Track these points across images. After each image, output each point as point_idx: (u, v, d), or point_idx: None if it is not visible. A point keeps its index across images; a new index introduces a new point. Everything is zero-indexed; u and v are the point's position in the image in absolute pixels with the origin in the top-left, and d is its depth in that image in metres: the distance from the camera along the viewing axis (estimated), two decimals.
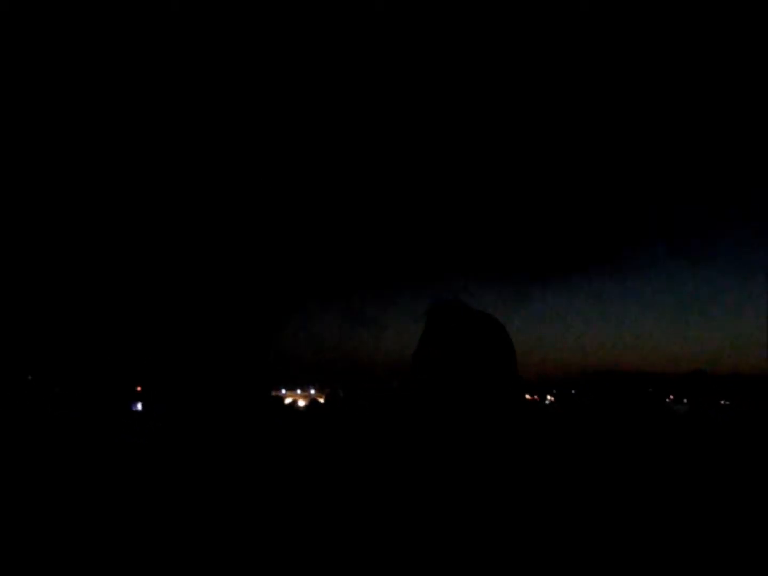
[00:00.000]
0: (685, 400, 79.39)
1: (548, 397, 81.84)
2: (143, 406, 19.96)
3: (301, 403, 43.70)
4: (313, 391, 57.03)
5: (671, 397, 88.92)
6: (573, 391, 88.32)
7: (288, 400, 39.04)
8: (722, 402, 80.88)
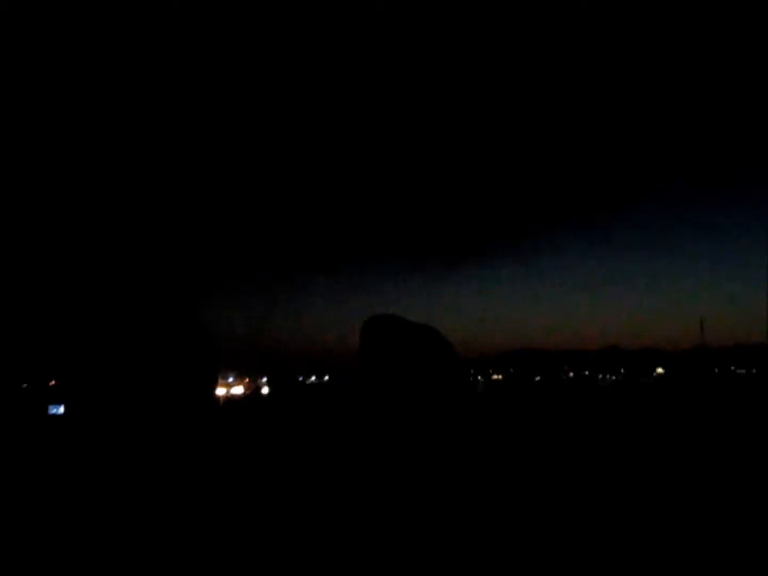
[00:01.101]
0: (608, 376, 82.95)
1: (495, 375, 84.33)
2: (66, 408, 17.87)
3: (222, 392, 42.10)
4: (231, 380, 54.28)
5: (586, 372, 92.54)
6: (511, 370, 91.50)
7: (221, 391, 37.50)
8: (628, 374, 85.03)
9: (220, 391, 32.04)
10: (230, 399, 32.58)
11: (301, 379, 58.31)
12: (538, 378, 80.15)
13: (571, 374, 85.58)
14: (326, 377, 63.41)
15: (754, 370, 72.34)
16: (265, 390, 49.25)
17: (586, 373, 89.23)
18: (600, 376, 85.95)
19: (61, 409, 19.38)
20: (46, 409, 20.84)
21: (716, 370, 67.94)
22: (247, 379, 57.06)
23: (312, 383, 59.18)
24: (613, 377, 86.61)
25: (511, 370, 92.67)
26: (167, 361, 20.53)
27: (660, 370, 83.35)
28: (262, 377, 55.66)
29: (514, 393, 38.20)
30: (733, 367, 78.21)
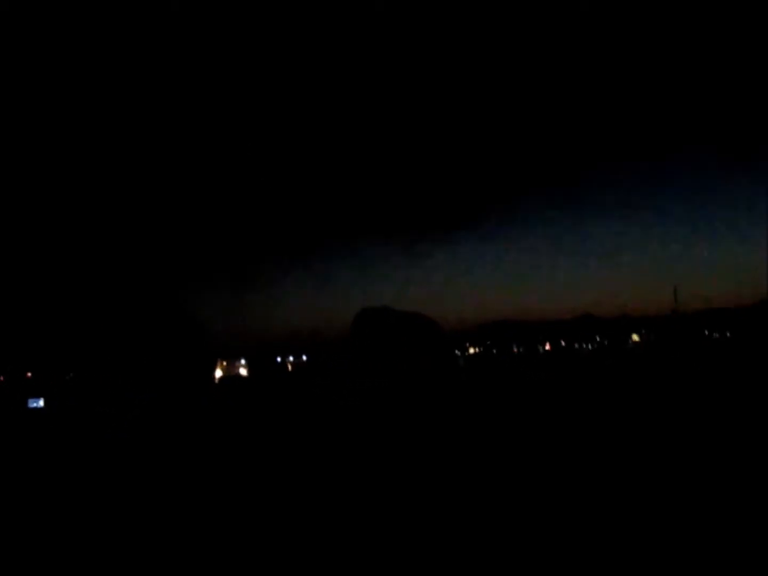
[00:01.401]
0: (585, 345, 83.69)
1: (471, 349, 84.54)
2: (47, 401, 17.24)
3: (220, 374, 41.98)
4: (243, 362, 54.94)
5: (563, 342, 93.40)
6: (488, 342, 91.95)
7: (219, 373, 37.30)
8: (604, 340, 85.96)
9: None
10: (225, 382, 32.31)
11: (279, 360, 58.40)
12: (516, 350, 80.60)
13: (548, 346, 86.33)
14: (304, 357, 63.69)
15: (728, 334, 73.50)
16: (243, 372, 49.40)
17: (562, 343, 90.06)
18: (576, 345, 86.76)
19: (41, 403, 18.66)
20: (26, 403, 20.03)
21: (692, 336, 69.01)
22: (224, 363, 57.14)
23: (293, 363, 59.37)
24: (589, 346, 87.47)
25: (488, 343, 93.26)
26: (157, 354, 20.18)
27: (635, 337, 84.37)
28: (240, 360, 55.79)
29: (496, 368, 38.33)
30: (707, 332, 79.39)
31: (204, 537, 5.91)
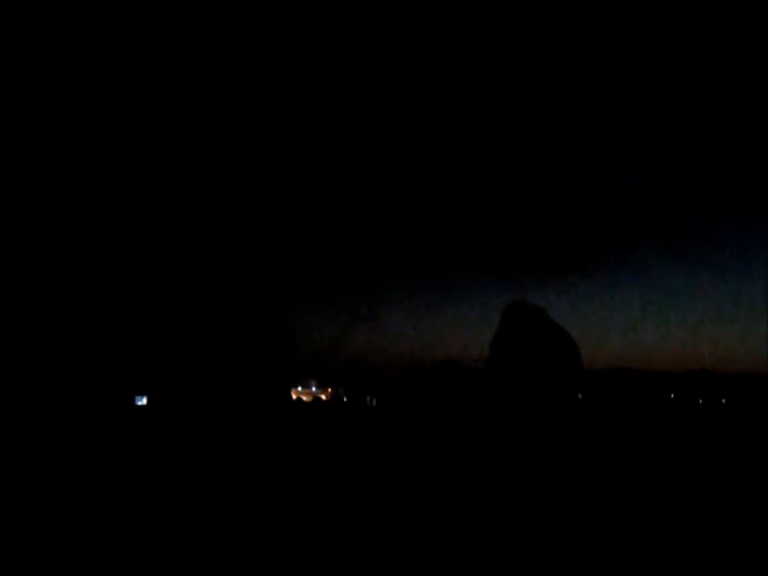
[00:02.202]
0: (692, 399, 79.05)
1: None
2: (149, 400, 19.04)
3: (304, 400, 43.54)
4: (314, 389, 56.54)
5: (672, 395, 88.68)
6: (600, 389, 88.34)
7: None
8: (723, 401, 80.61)
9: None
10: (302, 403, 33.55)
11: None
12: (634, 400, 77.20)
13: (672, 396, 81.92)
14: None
15: None
16: (323, 398, 50.66)
17: (672, 396, 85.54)
18: (701, 400, 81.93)
19: (145, 401, 20.79)
20: (133, 400, 22.31)
21: None
22: (329, 389, 58.67)
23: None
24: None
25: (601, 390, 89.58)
26: (247, 362, 21.58)
27: None
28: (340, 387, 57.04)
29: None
30: None
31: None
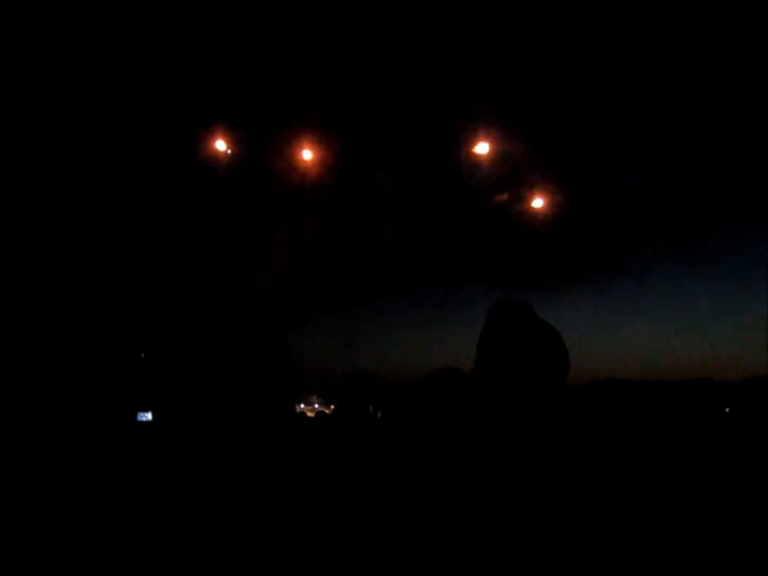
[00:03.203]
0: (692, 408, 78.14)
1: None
2: (154, 415, 18.93)
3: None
4: (317, 405, 56.20)
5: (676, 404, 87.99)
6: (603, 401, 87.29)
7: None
8: (726, 409, 80.00)
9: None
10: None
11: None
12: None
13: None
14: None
15: None
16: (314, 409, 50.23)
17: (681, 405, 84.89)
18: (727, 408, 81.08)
19: (149, 416, 20.61)
20: (136, 416, 22.10)
21: None
22: (332, 405, 58.03)
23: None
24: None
25: (604, 402, 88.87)
26: (247, 377, 21.54)
27: None
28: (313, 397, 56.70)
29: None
30: None
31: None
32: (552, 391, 1.77)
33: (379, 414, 4.72)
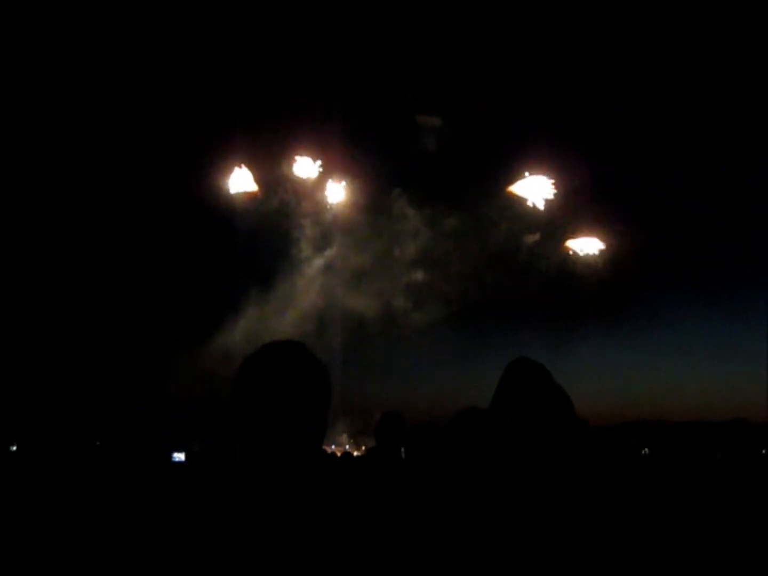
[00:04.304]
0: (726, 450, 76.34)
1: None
2: (187, 456, 18.77)
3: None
4: (347, 447, 56.06)
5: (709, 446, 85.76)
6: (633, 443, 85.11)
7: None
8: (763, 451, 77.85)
9: None
10: None
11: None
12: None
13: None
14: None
15: None
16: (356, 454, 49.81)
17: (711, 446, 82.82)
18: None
19: (183, 456, 20.50)
20: (170, 457, 21.80)
21: None
22: (363, 446, 58.30)
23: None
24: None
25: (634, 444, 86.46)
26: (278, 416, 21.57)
27: None
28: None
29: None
30: None
31: None
32: (560, 443, 1.93)
33: (404, 453, 4.78)
